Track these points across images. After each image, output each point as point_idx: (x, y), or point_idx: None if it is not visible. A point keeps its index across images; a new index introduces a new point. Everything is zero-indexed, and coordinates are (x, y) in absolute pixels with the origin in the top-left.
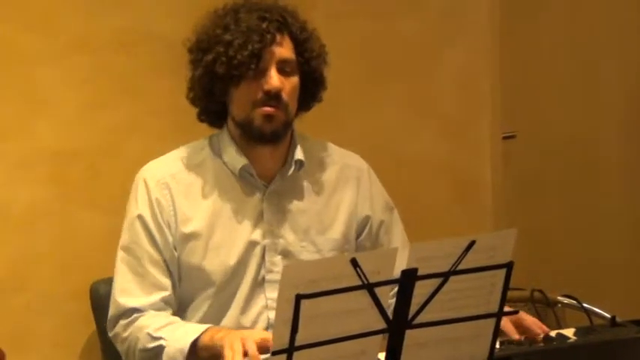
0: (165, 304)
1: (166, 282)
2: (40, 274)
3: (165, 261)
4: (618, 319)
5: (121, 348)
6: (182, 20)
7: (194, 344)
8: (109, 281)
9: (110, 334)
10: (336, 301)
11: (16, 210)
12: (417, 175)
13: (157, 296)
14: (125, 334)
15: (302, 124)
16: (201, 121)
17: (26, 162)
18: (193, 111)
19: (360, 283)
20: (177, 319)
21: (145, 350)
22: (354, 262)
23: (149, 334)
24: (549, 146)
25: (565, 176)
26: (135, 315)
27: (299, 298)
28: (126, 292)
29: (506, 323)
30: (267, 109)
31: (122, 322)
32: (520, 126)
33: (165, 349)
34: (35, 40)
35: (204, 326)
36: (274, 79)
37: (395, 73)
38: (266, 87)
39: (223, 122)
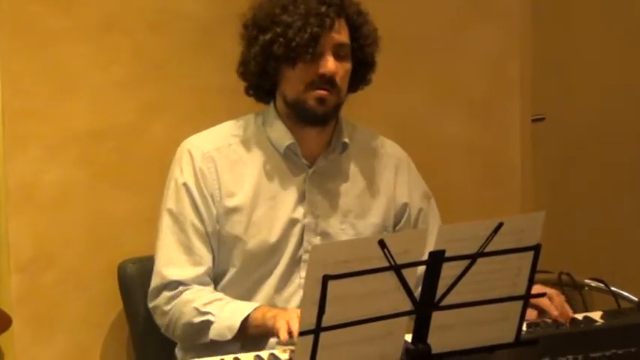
0: (208, 277)
1: (209, 255)
2: (69, 254)
3: (207, 233)
4: None
5: (160, 321)
6: (212, 0)
7: (244, 321)
8: (136, 261)
9: (150, 305)
10: (363, 282)
11: (45, 190)
12: (445, 158)
13: (201, 269)
14: (167, 307)
15: None
16: (249, 95)
17: (55, 142)
18: (222, 91)
19: (387, 264)
20: (222, 295)
21: (191, 324)
22: (382, 243)
23: (196, 309)
24: (579, 129)
25: (594, 159)
26: (180, 288)
27: (326, 278)
28: (171, 263)
29: (541, 300)
30: (321, 92)
31: (167, 293)
32: (550, 109)
33: (213, 325)
34: (65, 20)
35: (254, 304)
36: (330, 63)
37: (422, 53)
38: (321, 70)
39: (270, 99)
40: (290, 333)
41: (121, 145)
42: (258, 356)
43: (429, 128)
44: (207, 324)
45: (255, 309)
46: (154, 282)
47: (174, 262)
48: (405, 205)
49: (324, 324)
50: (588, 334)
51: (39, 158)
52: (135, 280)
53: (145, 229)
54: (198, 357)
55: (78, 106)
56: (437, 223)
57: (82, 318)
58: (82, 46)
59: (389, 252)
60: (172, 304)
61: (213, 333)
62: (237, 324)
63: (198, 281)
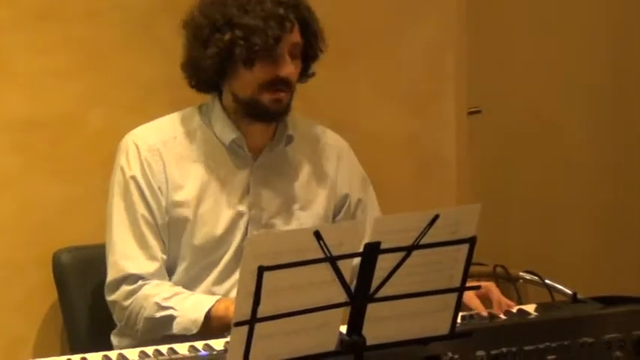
0: (164, 270)
1: (163, 248)
2: (3, 243)
3: (158, 226)
4: (579, 296)
5: (119, 315)
6: None
7: (207, 314)
8: (71, 250)
9: (109, 299)
10: (298, 274)
11: None
12: (382, 151)
13: (157, 263)
14: (126, 303)
15: None
16: (192, 87)
17: None
18: (161, 82)
19: (323, 255)
20: (181, 289)
21: (152, 319)
22: (318, 235)
23: (157, 304)
24: (515, 123)
25: (529, 153)
26: (140, 282)
27: (262, 269)
28: (127, 257)
29: (472, 299)
30: (280, 94)
31: (126, 287)
32: (486, 102)
33: (177, 320)
34: (1, 9)
35: (215, 297)
36: (289, 65)
37: (359, 49)
38: (280, 73)
39: (213, 90)
40: None
41: (56, 134)
42: (192, 346)
43: (366, 121)
44: (170, 319)
45: (217, 301)
46: (111, 275)
47: (129, 255)
48: (346, 196)
49: (259, 315)
50: (522, 326)
51: None
52: (69, 269)
53: (80, 219)
54: (133, 343)
55: (13, 94)
56: (375, 210)
57: (16, 307)
58: (19, 35)
59: (324, 243)
60: (132, 298)
61: (177, 328)
62: (201, 317)
63: (157, 275)
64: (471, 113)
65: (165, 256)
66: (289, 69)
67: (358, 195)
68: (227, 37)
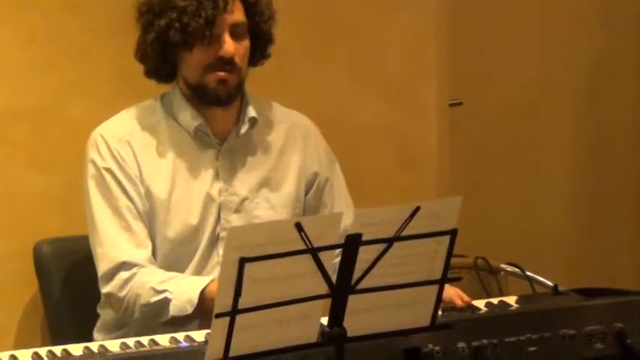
0: (152, 257)
1: (147, 234)
2: None
3: (140, 213)
4: (560, 288)
5: (116, 306)
6: None
7: (202, 294)
8: (52, 241)
9: (104, 291)
10: (280, 265)
11: None
12: (363, 142)
13: (147, 251)
14: (122, 294)
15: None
16: (149, 78)
17: None
18: (140, 73)
19: (304, 247)
20: (176, 273)
21: (149, 305)
22: (299, 226)
23: (153, 288)
24: (496, 114)
25: (510, 144)
26: (134, 269)
27: (243, 261)
28: (117, 246)
29: (447, 289)
30: (222, 74)
31: (122, 274)
32: (467, 94)
33: (172, 302)
34: None
35: (210, 277)
36: (228, 44)
37: (340, 38)
38: (220, 53)
39: (172, 79)
40: None
41: (37, 125)
42: (173, 338)
43: (346, 112)
44: (166, 301)
45: (212, 281)
46: (104, 266)
47: (118, 245)
48: (315, 174)
49: (240, 306)
50: (503, 318)
51: None
52: (50, 261)
53: (60, 210)
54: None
55: None
56: (343, 191)
57: None
58: None
59: (305, 235)
60: (127, 288)
61: (173, 309)
62: (195, 296)
63: (148, 262)
64: (452, 105)
65: (150, 243)
66: (230, 48)
67: (326, 173)
68: (163, 21)
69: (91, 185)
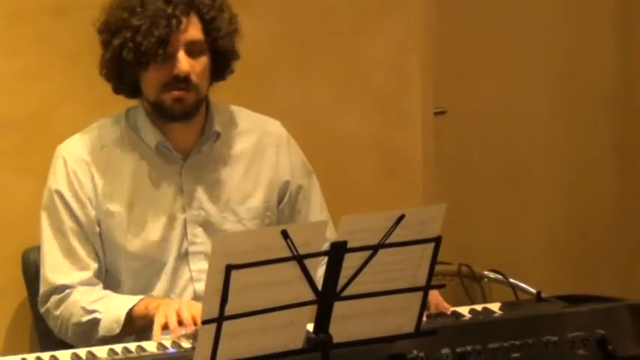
0: (95, 278)
1: (93, 256)
2: None
3: (88, 236)
4: (543, 295)
5: (52, 324)
6: None
7: (129, 314)
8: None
9: (41, 310)
10: (266, 273)
11: None
12: (347, 151)
13: (87, 273)
14: (57, 312)
15: (230, 101)
16: (117, 94)
17: None
18: None
19: (290, 254)
20: (109, 292)
21: (80, 324)
22: (285, 234)
23: (83, 308)
24: (480, 123)
25: (494, 153)
26: (67, 291)
27: (229, 268)
28: (57, 270)
29: (432, 295)
30: (177, 92)
31: (55, 297)
32: (451, 102)
33: (102, 322)
34: None
35: (139, 297)
36: (183, 63)
37: (325, 48)
38: (175, 72)
39: (139, 95)
40: (180, 322)
41: (24, 133)
42: (160, 344)
43: (331, 122)
44: (95, 321)
45: (139, 300)
46: (42, 288)
47: (59, 268)
48: (287, 183)
49: (226, 313)
50: (487, 325)
51: None
52: (39, 268)
53: None
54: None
55: None
56: (318, 200)
57: None
58: None
59: (291, 242)
60: (62, 307)
61: (102, 330)
62: (122, 316)
63: (87, 283)
64: (437, 114)
65: (97, 265)
66: (184, 67)
67: (299, 181)
68: (117, 41)
69: (43, 205)
